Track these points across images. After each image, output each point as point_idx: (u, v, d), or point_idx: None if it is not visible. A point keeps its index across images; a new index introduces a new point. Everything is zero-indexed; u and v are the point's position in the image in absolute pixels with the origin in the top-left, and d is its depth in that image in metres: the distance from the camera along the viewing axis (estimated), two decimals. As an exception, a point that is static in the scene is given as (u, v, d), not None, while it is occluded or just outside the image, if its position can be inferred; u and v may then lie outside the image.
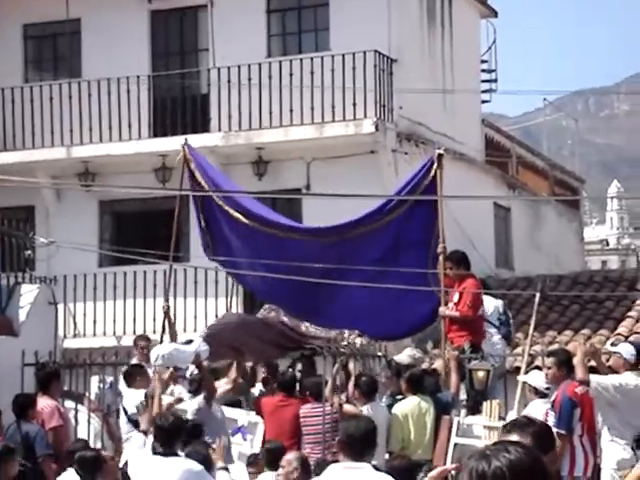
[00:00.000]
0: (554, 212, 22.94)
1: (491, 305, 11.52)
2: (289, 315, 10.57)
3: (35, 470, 9.36)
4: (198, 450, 7.91)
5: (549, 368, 9.25)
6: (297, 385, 10.60)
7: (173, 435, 7.59)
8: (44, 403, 9.99)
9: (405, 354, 10.81)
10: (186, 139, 12.40)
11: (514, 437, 3.68)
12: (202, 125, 17.84)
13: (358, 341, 10.36)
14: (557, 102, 37.17)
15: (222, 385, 10.61)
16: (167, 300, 11.93)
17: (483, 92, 21.27)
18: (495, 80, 21.49)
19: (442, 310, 11.02)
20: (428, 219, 11.19)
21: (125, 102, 17.82)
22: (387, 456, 9.78)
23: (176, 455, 7.60)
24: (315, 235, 11.63)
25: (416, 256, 11.20)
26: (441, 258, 11.04)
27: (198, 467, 7.48)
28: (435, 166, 11.22)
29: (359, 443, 5.56)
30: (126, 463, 8.12)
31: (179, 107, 18.10)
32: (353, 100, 16.88)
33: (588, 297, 17.27)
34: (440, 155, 11.36)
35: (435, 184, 11.13)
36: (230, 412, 10.45)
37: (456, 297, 11.07)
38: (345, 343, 10.43)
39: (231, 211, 11.58)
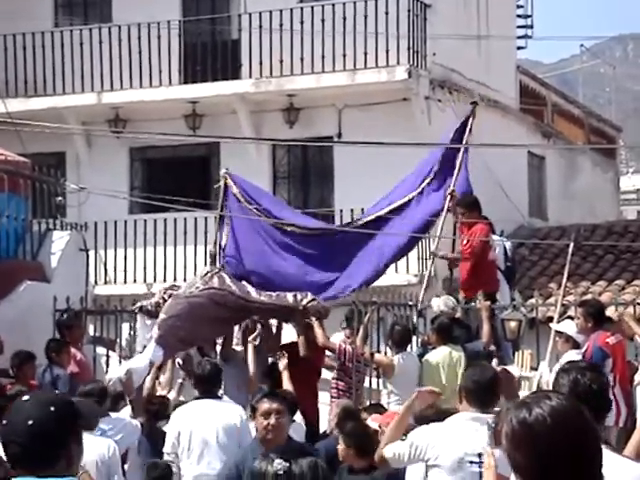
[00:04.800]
0: (589, 161, 22.63)
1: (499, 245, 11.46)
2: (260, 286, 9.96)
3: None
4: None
5: (579, 318, 9.18)
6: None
7: (214, 380, 8.08)
8: None
9: (442, 301, 10.64)
10: (227, 169, 11.49)
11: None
12: (232, 72, 17.68)
13: (312, 304, 9.86)
14: (594, 48, 36.50)
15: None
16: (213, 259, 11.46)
17: (518, 38, 20.91)
18: (531, 26, 21.13)
19: (441, 254, 11.04)
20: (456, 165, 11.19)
21: (155, 48, 17.68)
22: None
23: (219, 398, 8.16)
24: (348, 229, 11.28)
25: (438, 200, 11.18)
26: (448, 200, 11.00)
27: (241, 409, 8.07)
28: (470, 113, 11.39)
29: (485, 391, 5.30)
30: None
31: (209, 53, 17.93)
32: (386, 46, 16.64)
33: (623, 247, 17.07)
34: (474, 103, 11.45)
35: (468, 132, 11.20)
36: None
37: (465, 241, 11.04)
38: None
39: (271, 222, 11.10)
